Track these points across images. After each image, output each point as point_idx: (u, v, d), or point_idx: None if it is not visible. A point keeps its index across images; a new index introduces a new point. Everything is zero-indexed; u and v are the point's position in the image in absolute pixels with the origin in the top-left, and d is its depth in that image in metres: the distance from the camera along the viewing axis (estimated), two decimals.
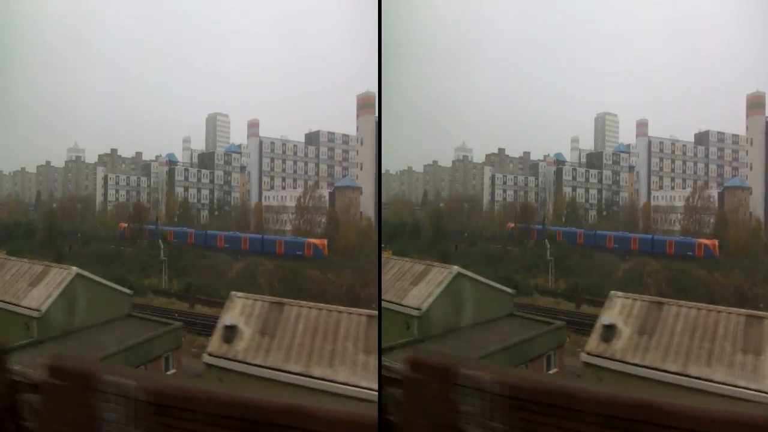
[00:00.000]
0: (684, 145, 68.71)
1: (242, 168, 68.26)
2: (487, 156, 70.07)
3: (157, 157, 68.18)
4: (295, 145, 69.15)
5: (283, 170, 68.65)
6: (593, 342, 32.90)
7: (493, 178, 68.73)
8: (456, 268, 40.36)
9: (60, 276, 39.43)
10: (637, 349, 31.31)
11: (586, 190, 68.55)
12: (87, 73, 62.62)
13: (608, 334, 32.51)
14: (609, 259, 60.75)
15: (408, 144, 64.77)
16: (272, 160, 68.33)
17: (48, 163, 69.47)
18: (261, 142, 67.84)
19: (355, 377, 28.84)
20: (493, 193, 68.64)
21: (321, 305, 32.73)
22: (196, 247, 62.05)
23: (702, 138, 68.71)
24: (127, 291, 44.56)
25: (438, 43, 63.27)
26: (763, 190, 61.27)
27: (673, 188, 67.41)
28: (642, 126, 67.48)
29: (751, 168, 62.73)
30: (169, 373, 38.77)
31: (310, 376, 29.55)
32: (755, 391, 28.45)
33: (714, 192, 64.40)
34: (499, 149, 70.10)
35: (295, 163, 68.94)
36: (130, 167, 68.26)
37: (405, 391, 15.15)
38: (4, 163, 68.24)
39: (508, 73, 64.46)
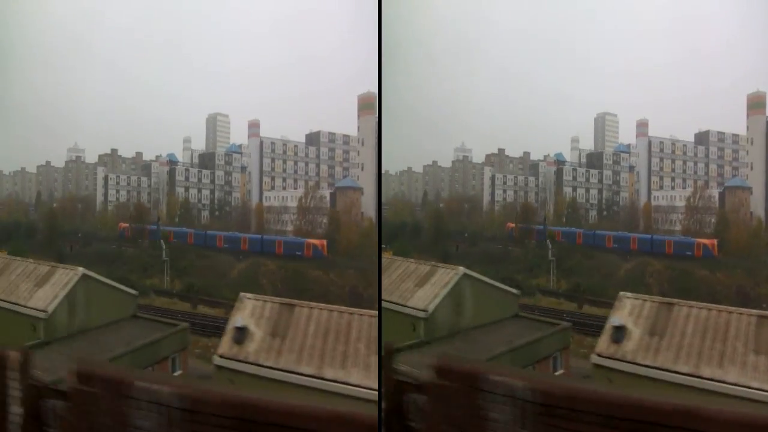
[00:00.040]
0: (684, 145, 68.79)
1: (243, 168, 68.15)
2: (487, 156, 70.10)
3: (157, 157, 68.08)
4: (295, 146, 69.10)
5: (284, 170, 68.59)
6: (603, 343, 32.84)
7: (493, 178, 68.76)
8: (462, 269, 40.33)
9: (66, 277, 39.31)
10: (648, 351, 31.26)
11: (587, 190, 68.58)
12: (87, 73, 62.52)
13: (618, 336, 32.46)
14: (610, 259, 60.77)
15: (408, 144, 64.86)
16: (273, 160, 68.25)
17: (48, 163, 69.35)
18: (262, 143, 67.77)
19: (369, 380, 28.77)
20: (493, 194, 68.66)
21: (332, 306, 32.63)
22: (197, 247, 61.96)
23: (702, 138, 68.78)
24: (132, 291, 44.47)
25: (438, 44, 63.34)
26: (763, 189, 61.33)
27: (673, 188, 67.48)
28: (642, 126, 67.53)
29: (751, 168, 62.80)
30: (175, 374, 38.69)
31: (323, 378, 29.47)
32: None
33: (715, 192, 64.46)
34: (499, 149, 70.14)
35: (295, 163, 68.89)
36: (130, 167, 68.15)
37: (430, 398, 14.96)
38: (4, 163, 68.21)
39: (507, 73, 64.53)
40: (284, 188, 67.90)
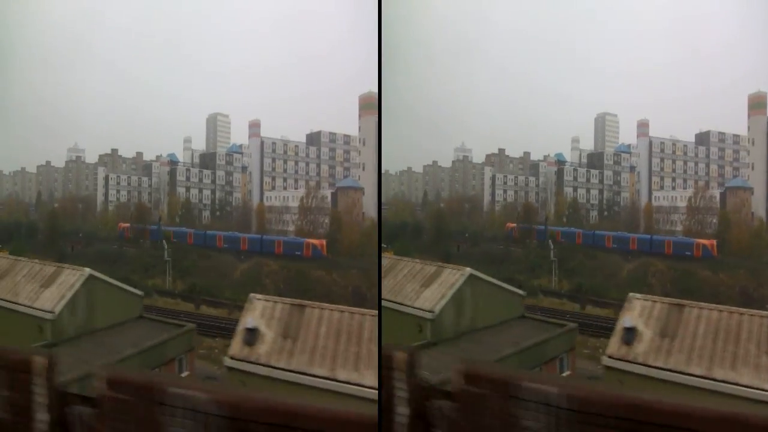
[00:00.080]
0: (685, 146, 68.79)
1: (244, 168, 68.03)
2: (488, 156, 70.07)
3: (157, 157, 67.98)
4: (296, 146, 68.98)
5: (285, 171, 68.46)
6: (614, 345, 32.81)
7: (493, 178, 68.74)
8: (468, 270, 40.33)
9: (73, 277, 39.22)
10: (660, 352, 31.25)
11: (587, 191, 68.58)
12: (87, 73, 62.35)
13: (629, 337, 32.45)
14: (613, 259, 60.76)
15: (408, 144, 64.79)
16: (273, 160, 68.12)
17: (48, 163, 69.24)
18: (262, 143, 67.63)
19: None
20: (493, 194, 68.64)
21: (343, 307, 32.61)
22: (198, 247, 61.85)
23: (703, 138, 68.81)
24: (138, 292, 44.42)
25: (438, 44, 63.30)
26: (764, 190, 61.35)
27: (674, 188, 67.49)
28: (643, 126, 67.50)
29: (752, 168, 62.82)
30: (183, 375, 38.63)
31: (336, 380, 29.42)
32: None
33: (716, 192, 64.47)
34: (499, 149, 70.11)
35: (296, 163, 68.77)
36: (130, 167, 68.02)
37: (458, 405, 14.78)
38: (4, 163, 68.05)
39: (507, 73, 64.47)
40: (285, 188, 67.78)
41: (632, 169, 68.70)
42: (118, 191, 67.06)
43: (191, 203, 66.79)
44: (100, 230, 65.43)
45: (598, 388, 12.64)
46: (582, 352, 45.09)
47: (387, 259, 45.07)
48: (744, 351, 29.67)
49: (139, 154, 68.29)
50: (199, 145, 69.58)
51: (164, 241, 59.78)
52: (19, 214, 67.33)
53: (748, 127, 63.07)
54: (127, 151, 68.22)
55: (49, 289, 39.01)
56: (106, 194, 66.99)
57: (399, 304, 39.51)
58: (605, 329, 48.50)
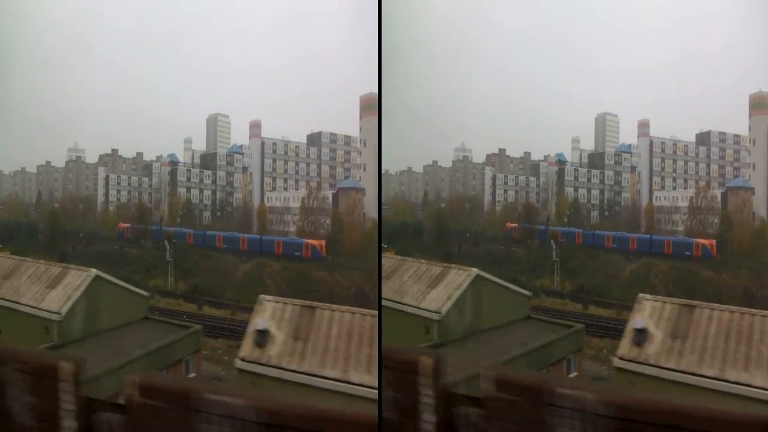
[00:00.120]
0: (686, 146, 68.78)
1: (244, 169, 67.92)
2: (488, 156, 70.04)
3: (158, 157, 67.84)
4: (296, 146, 68.88)
5: (285, 171, 68.34)
6: (625, 346, 32.75)
7: (494, 178, 68.71)
8: (475, 271, 40.33)
9: (79, 278, 39.11)
10: (671, 354, 31.20)
11: (588, 191, 68.54)
12: (87, 73, 62.19)
13: (640, 338, 32.38)
14: (614, 259, 60.69)
15: (408, 144, 64.69)
16: (274, 161, 68.01)
17: (48, 163, 69.14)
18: (263, 143, 67.50)
19: None
20: (494, 194, 68.61)
21: (354, 309, 32.55)
22: (199, 248, 61.73)
23: (703, 138, 68.81)
24: (144, 293, 44.30)
25: (438, 44, 63.20)
26: (766, 190, 61.40)
27: (674, 188, 67.49)
28: (644, 126, 67.49)
29: (753, 168, 62.85)
30: (190, 376, 38.55)
31: (349, 382, 29.33)
32: None
33: (717, 192, 64.45)
34: (500, 149, 70.09)
35: (296, 164, 68.64)
36: (131, 167, 67.88)
37: (487, 412, 14.57)
38: (4, 163, 67.91)
39: (507, 73, 64.42)
40: (285, 189, 67.68)
41: (633, 169, 68.68)
42: (118, 191, 66.92)
43: (192, 204, 66.65)
44: (101, 230, 65.29)
45: (637, 395, 12.56)
46: (586, 352, 45.03)
47: (392, 259, 44.97)
48: (756, 352, 29.63)
49: (140, 155, 68.16)
50: (200, 145, 69.52)
51: (166, 241, 59.61)
52: (19, 214, 67.19)
53: (749, 127, 63.05)
54: (127, 152, 68.20)
55: (55, 290, 38.87)
56: (106, 194, 66.85)
57: (405, 305, 39.45)
58: (608, 329, 48.69)
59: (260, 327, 31.85)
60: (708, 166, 68.04)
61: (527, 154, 69.80)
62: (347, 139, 67.99)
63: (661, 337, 31.84)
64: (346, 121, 64.20)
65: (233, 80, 64.26)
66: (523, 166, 69.63)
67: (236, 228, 64.54)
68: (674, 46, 62.64)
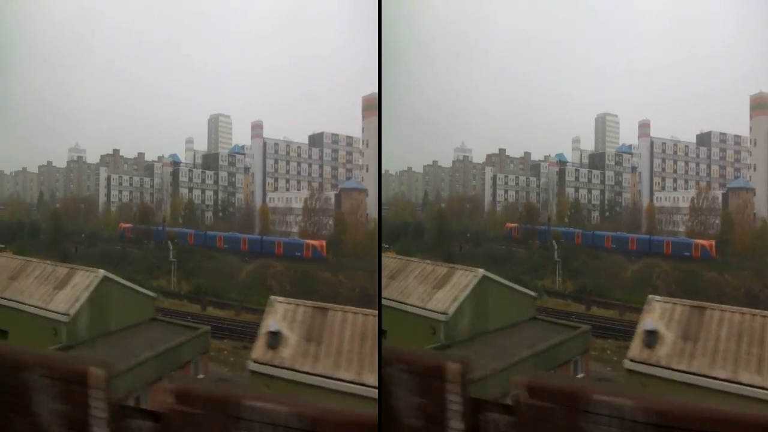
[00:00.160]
0: (686, 146, 68.84)
1: (246, 169, 67.87)
2: (488, 156, 70.09)
3: (159, 157, 67.77)
4: (298, 147, 68.86)
5: (287, 172, 68.31)
6: (636, 348, 32.69)
7: (494, 178, 68.76)
8: (481, 271, 40.25)
9: (87, 279, 38.94)
10: (683, 355, 31.17)
11: (589, 191, 68.59)
12: (87, 73, 62.11)
13: (651, 340, 32.33)
14: (616, 260, 60.65)
15: (408, 144, 64.74)
16: (276, 161, 67.98)
17: (50, 163, 69.14)
18: (265, 144, 67.44)
19: None
20: (494, 194, 68.66)
21: (366, 310, 32.48)
22: (200, 248, 61.62)
23: (704, 139, 68.89)
24: (151, 294, 44.17)
25: (438, 44, 63.24)
26: (766, 191, 61.51)
27: (675, 189, 67.55)
28: (644, 127, 67.53)
29: (754, 169, 62.94)
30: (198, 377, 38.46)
31: (363, 384, 29.26)
32: None
33: (718, 193, 64.47)
34: (500, 149, 70.13)
35: (298, 164, 68.62)
36: (132, 168, 67.81)
37: (518, 420, 14.41)
38: (5, 164, 67.85)
39: (508, 73, 64.51)
40: (287, 189, 67.65)
41: (633, 169, 68.75)
42: (120, 192, 66.85)
43: (194, 204, 66.56)
44: (103, 231, 65.20)
45: (677, 401, 12.52)
46: (590, 353, 45.01)
47: (397, 260, 44.88)
48: None
49: (141, 155, 68.08)
50: (201, 145, 69.47)
51: (169, 241, 59.49)
52: (21, 214, 67.12)
53: (750, 128, 63.13)
54: (128, 152, 68.15)
55: (63, 291, 38.73)
56: (108, 195, 66.78)
57: (411, 305, 39.38)
58: (611, 330, 48.70)
59: (272, 328, 31.73)
60: (708, 166, 68.12)
61: (527, 154, 69.91)
62: (349, 140, 68.01)
63: (672, 338, 31.80)
64: (348, 121, 64.24)
65: (234, 80, 64.27)
66: (524, 166, 69.71)
67: (238, 228, 64.45)
68: (675, 47, 62.77)
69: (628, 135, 70.18)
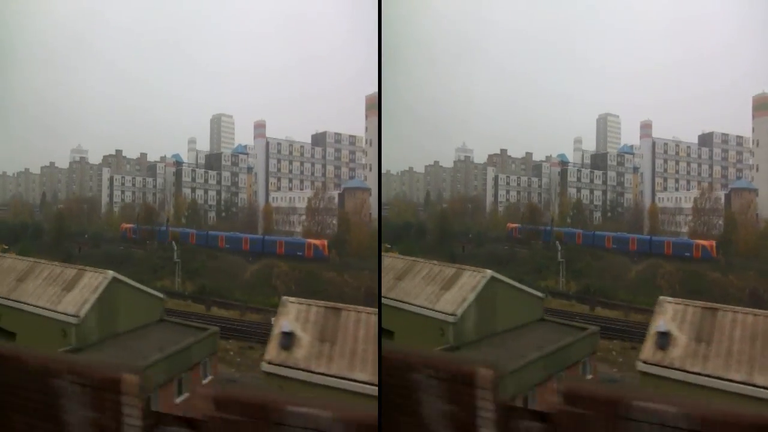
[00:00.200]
0: (688, 147, 68.91)
1: (249, 169, 67.84)
2: (489, 156, 70.12)
3: (162, 158, 67.71)
4: (301, 146, 68.82)
5: (290, 171, 68.27)
6: (648, 350, 32.48)
7: (496, 178, 68.80)
8: (489, 272, 39.93)
9: (96, 280, 38.61)
10: (696, 357, 30.99)
11: (591, 191, 68.62)
12: (88, 74, 62.16)
13: (663, 342, 32.14)
14: (620, 260, 60.59)
15: (408, 144, 64.76)
16: (279, 161, 67.94)
17: (52, 164, 69.06)
18: (268, 143, 67.39)
19: None
20: (496, 194, 68.70)
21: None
22: (203, 248, 61.52)
23: (706, 139, 69.00)
24: (160, 295, 43.94)
25: (438, 44, 63.28)
26: None
27: (677, 190, 67.61)
28: (646, 127, 67.58)
29: (757, 169, 62.99)
30: (205, 381, 38.27)
31: (377, 384, 28.97)
32: None
33: (721, 194, 64.47)
34: (501, 150, 70.20)
35: (301, 164, 68.60)
36: (135, 168, 67.76)
37: (554, 428, 14.18)
38: (7, 165, 67.85)
39: (508, 73, 64.59)
40: (290, 189, 67.62)
41: (635, 170, 68.82)
42: (122, 192, 66.82)
43: (197, 204, 66.49)
44: (106, 231, 65.13)
45: (718, 407, 12.46)
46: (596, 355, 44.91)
47: (403, 260, 44.65)
48: None
49: (143, 155, 68.08)
50: (204, 146, 69.53)
51: (173, 242, 59.36)
52: (24, 215, 67.01)
53: (753, 129, 63.19)
54: (130, 152, 68.13)
55: (72, 293, 38.42)
56: (111, 195, 66.73)
57: (419, 306, 39.19)
58: (616, 331, 48.66)
59: (285, 329, 31.50)
60: (711, 167, 68.23)
61: (529, 154, 70.00)
62: (352, 139, 68.02)
63: (685, 340, 31.60)
64: (350, 121, 64.22)
65: (236, 80, 64.33)
66: (525, 166, 69.77)
67: (241, 228, 64.37)
68: (676, 47, 62.97)
69: (629, 135, 70.39)
